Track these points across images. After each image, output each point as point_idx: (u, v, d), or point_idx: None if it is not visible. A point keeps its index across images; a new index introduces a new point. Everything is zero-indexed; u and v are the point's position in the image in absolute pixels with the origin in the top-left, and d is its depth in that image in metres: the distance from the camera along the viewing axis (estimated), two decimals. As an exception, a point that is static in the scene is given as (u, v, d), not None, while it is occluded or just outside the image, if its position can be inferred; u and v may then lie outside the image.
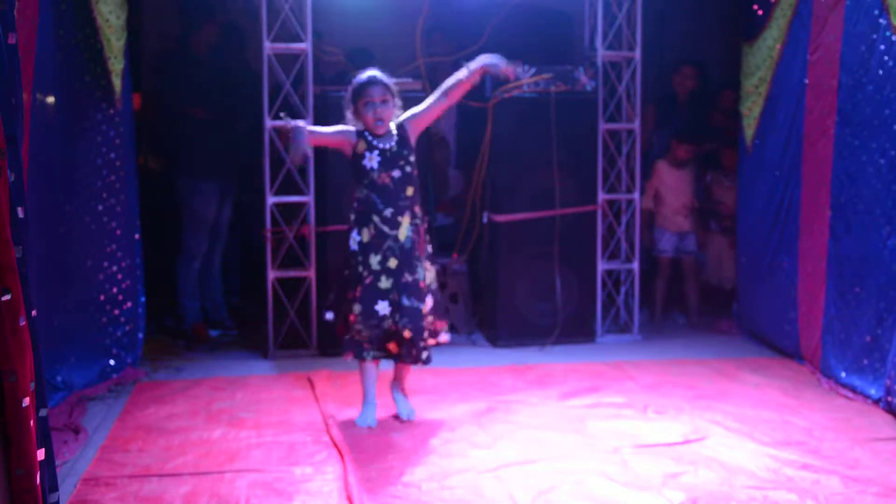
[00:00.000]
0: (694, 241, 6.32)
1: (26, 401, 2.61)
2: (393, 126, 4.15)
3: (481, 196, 5.88)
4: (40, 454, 2.74)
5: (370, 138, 4.10)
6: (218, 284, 6.04)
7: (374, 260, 4.05)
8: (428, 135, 5.74)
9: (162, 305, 6.02)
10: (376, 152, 4.08)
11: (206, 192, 5.75)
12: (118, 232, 4.96)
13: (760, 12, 5.62)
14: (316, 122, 5.45)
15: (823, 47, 4.98)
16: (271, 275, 5.46)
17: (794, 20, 5.30)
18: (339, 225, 5.47)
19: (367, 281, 4.03)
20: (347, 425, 4.21)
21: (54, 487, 2.90)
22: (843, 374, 4.77)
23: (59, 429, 4.00)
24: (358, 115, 4.13)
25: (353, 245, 4.10)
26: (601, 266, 5.92)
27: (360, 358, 4.16)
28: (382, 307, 4.03)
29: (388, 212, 4.05)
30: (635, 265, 5.99)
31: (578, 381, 4.91)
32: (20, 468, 2.63)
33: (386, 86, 4.11)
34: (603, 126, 5.87)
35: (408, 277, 4.06)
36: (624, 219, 5.99)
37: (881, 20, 4.47)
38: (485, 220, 5.87)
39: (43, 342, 3.00)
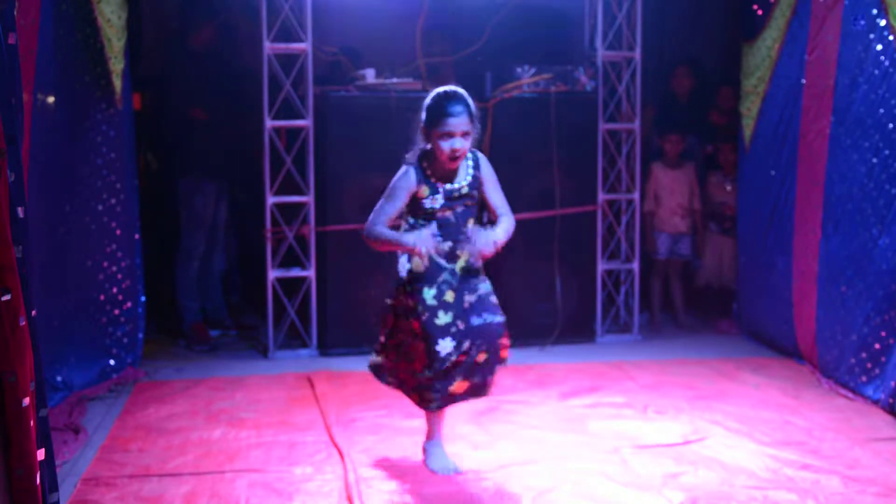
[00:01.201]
0: (688, 245, 6.31)
1: (26, 401, 2.61)
2: (469, 165, 3.55)
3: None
4: (40, 454, 2.74)
5: (434, 182, 3.48)
6: (217, 284, 6.04)
7: (429, 294, 3.48)
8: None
9: (162, 305, 6.02)
10: (440, 195, 3.48)
11: (208, 192, 5.75)
12: (118, 232, 4.96)
13: (760, 12, 5.62)
14: (315, 124, 5.45)
15: (821, 47, 4.99)
16: (271, 275, 5.46)
17: (792, 20, 5.31)
18: (339, 225, 5.48)
19: (424, 317, 3.47)
20: (347, 425, 4.20)
21: (54, 487, 2.89)
22: (837, 374, 4.78)
23: (59, 429, 4.00)
24: (429, 140, 3.47)
25: (402, 272, 3.56)
26: (601, 266, 5.92)
27: (429, 408, 3.60)
28: (444, 346, 3.43)
29: (446, 245, 3.51)
30: (635, 265, 5.99)
31: (578, 381, 4.91)
32: (20, 468, 2.63)
33: (471, 114, 3.44)
34: (603, 126, 5.87)
35: (470, 298, 3.51)
36: (624, 219, 5.99)
37: (879, 20, 4.48)
38: (485, 219, 5.86)
39: (43, 342, 3.00)
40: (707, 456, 3.83)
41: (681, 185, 6.25)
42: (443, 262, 3.52)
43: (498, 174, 5.68)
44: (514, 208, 5.68)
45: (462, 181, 3.52)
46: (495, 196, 3.66)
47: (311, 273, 5.48)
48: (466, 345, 3.46)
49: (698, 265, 6.47)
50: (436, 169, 3.48)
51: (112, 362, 4.90)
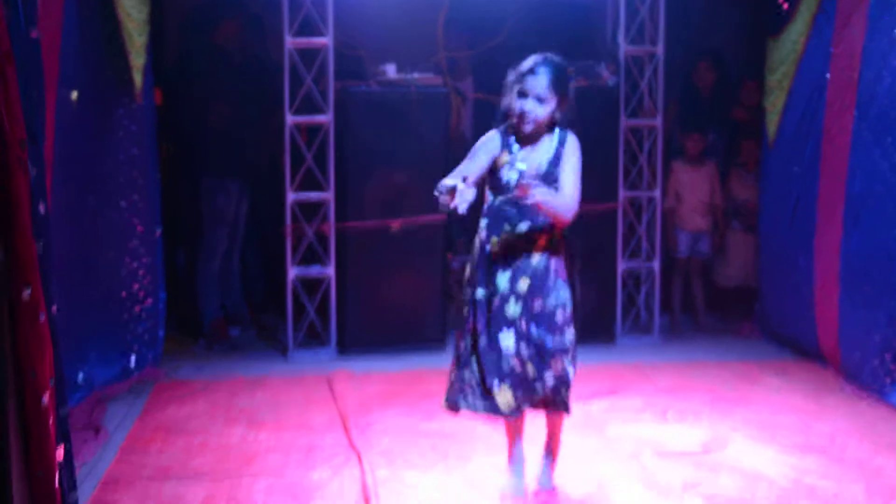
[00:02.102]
0: (707, 244, 6.25)
1: (46, 397, 2.61)
2: (556, 136, 3.33)
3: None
4: (60, 453, 2.74)
5: (514, 149, 3.31)
6: (237, 283, 6.02)
7: (503, 278, 3.29)
8: (447, 129, 5.71)
9: (182, 303, 6.03)
10: (517, 171, 3.29)
11: (230, 190, 5.73)
12: (139, 228, 4.97)
13: (786, 6, 5.55)
14: (336, 119, 5.43)
15: (846, 41, 4.92)
16: (291, 273, 5.44)
17: (818, 14, 5.24)
18: (359, 222, 5.46)
19: (496, 304, 3.28)
20: (366, 427, 4.20)
21: (73, 487, 2.90)
22: (860, 376, 4.72)
23: (80, 428, 4.01)
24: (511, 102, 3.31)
25: (478, 253, 3.36)
26: (621, 265, 5.87)
27: (454, 408, 3.39)
28: (506, 338, 3.26)
29: (524, 225, 3.30)
30: (656, 264, 5.93)
31: (598, 384, 4.86)
32: (40, 468, 2.64)
33: (555, 82, 3.23)
34: (625, 122, 5.81)
35: (538, 305, 3.29)
36: (645, 217, 5.93)
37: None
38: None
39: (64, 339, 2.99)
40: (727, 463, 3.80)
41: (702, 183, 6.19)
42: (520, 243, 3.31)
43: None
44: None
45: (543, 157, 3.30)
46: (566, 175, 3.32)
47: (330, 271, 5.46)
48: (523, 350, 3.27)
49: (716, 262, 6.41)
50: (519, 138, 3.31)
51: (133, 359, 4.91)
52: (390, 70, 5.52)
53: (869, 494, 3.49)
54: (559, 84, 3.25)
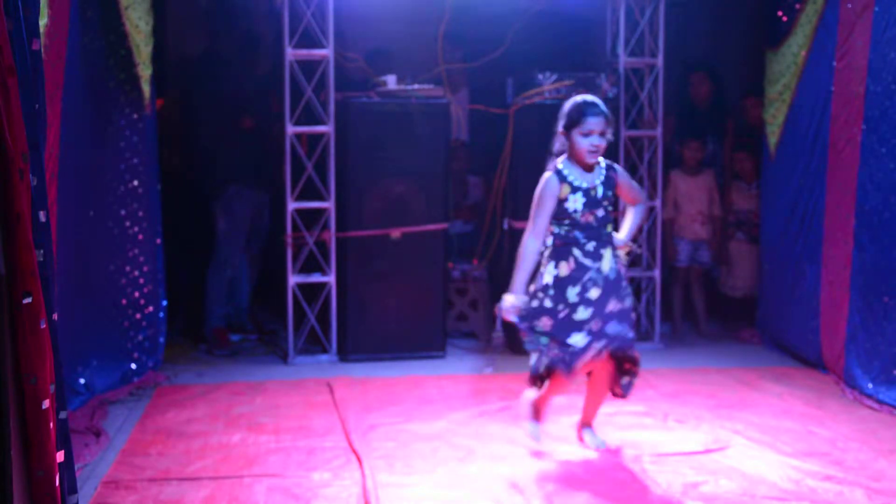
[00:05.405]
0: (707, 253, 6.25)
1: (46, 403, 2.63)
2: (602, 162, 3.87)
3: (502, 202, 5.86)
4: (60, 456, 2.75)
5: (573, 179, 3.79)
6: (244, 289, 6.03)
7: (572, 293, 3.75)
8: (447, 140, 5.75)
9: (183, 309, 6.04)
10: (580, 193, 3.78)
11: (249, 199, 5.76)
12: (140, 237, 4.99)
13: (785, 19, 5.57)
14: (336, 130, 5.47)
15: (850, 54, 4.93)
16: (292, 280, 5.47)
17: (819, 27, 5.25)
18: (358, 231, 5.48)
19: (562, 315, 3.73)
20: (366, 431, 4.20)
21: (73, 489, 2.91)
22: (870, 385, 4.70)
23: (81, 432, 4.03)
24: (569, 140, 3.80)
25: (549, 278, 3.78)
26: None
27: (568, 372, 3.80)
28: (577, 339, 3.72)
29: (590, 245, 3.79)
30: (656, 273, 5.95)
31: (598, 389, 4.87)
32: (40, 470, 2.65)
33: (607, 117, 3.79)
34: (624, 133, 5.84)
35: (614, 306, 3.78)
36: (645, 227, 5.95)
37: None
38: (505, 226, 5.84)
39: (66, 345, 3.01)
40: (728, 466, 3.80)
41: (700, 192, 6.20)
42: (588, 261, 3.80)
43: (519, 181, 5.72)
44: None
45: (596, 179, 3.82)
46: (632, 188, 3.99)
47: (331, 279, 5.49)
48: (598, 345, 3.75)
49: (718, 273, 6.41)
50: (573, 170, 3.82)
51: (133, 366, 4.93)
52: (390, 81, 5.56)
53: (870, 497, 3.47)
54: (610, 119, 3.82)
